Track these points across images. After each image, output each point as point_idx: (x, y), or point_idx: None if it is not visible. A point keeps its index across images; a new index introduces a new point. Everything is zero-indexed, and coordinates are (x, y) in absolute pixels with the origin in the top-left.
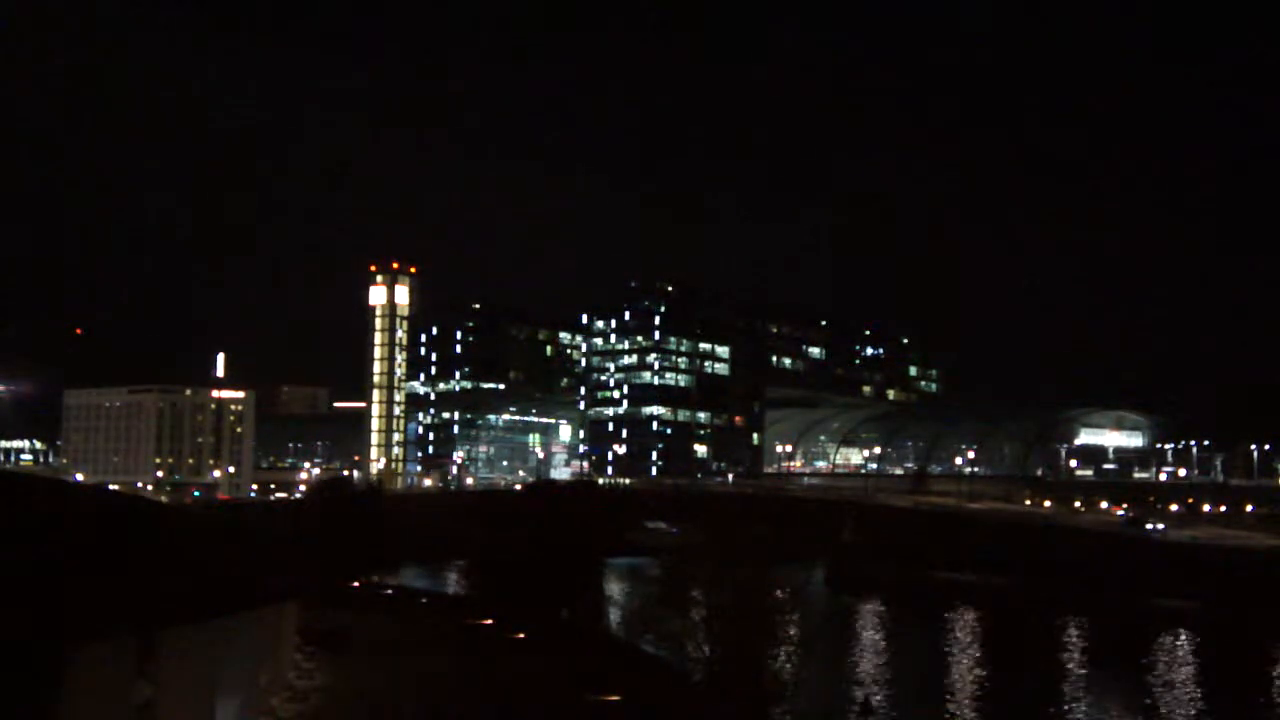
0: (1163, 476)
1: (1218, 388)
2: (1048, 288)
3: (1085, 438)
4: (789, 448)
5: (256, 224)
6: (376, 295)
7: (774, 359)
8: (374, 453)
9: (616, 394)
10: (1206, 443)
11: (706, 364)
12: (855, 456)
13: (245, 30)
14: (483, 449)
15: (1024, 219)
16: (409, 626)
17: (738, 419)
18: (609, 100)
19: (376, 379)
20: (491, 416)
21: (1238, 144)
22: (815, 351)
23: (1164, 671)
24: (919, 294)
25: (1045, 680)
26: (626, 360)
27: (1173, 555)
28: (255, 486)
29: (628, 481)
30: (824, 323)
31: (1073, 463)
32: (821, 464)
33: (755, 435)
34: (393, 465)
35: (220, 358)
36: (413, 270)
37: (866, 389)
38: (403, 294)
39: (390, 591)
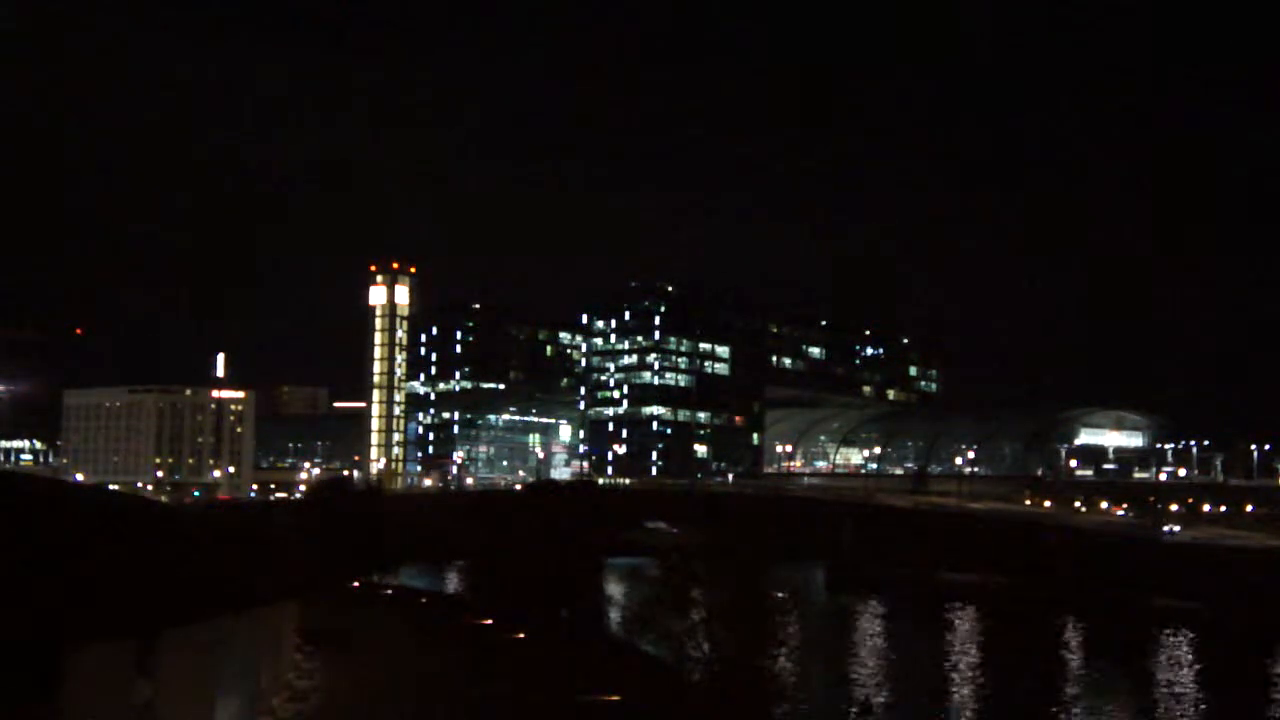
0: (1163, 476)
1: (1218, 388)
2: (1048, 288)
3: (1085, 438)
4: (789, 448)
5: (256, 224)
6: (376, 295)
7: (774, 359)
8: (374, 453)
9: (616, 394)
10: (1206, 443)
11: (706, 364)
12: (855, 456)
13: (245, 30)
14: (483, 449)
15: (1024, 219)
16: (409, 626)
17: (738, 419)
18: (609, 100)
19: (376, 379)
20: (491, 416)
21: (1238, 144)
22: (815, 351)
23: (1164, 671)
24: (919, 294)
25: (1045, 680)
26: (626, 360)
27: (1173, 555)
28: (255, 486)
29: (628, 481)
30: (824, 323)
31: (1073, 463)
32: (821, 464)
33: (755, 435)
34: (393, 465)
35: (220, 358)
36: (413, 270)
37: (866, 389)
38: (403, 294)
39: (390, 591)
